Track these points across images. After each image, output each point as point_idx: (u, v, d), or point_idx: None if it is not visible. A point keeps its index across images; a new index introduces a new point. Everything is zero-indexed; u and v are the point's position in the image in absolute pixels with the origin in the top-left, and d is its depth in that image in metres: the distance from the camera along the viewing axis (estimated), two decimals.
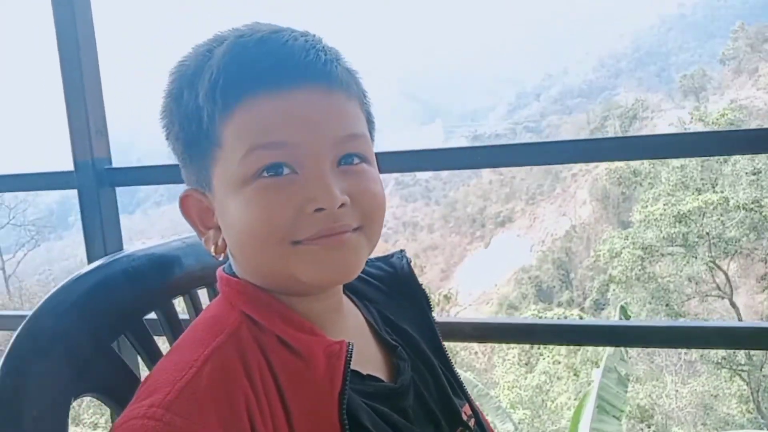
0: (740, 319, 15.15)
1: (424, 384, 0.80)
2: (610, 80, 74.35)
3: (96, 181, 1.61)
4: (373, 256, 0.89)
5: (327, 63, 0.66)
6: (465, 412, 0.82)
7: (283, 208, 0.64)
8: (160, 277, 0.83)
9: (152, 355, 0.79)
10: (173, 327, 0.84)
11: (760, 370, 13.73)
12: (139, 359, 0.83)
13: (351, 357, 0.66)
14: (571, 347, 15.45)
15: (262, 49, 0.64)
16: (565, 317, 17.47)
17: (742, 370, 14.05)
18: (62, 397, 0.68)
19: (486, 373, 16.47)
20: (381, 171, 0.72)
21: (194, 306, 0.88)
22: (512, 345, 16.20)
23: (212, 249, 0.71)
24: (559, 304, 25.80)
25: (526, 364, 15.95)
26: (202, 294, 0.91)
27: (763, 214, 15.15)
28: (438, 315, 1.05)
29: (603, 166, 27.59)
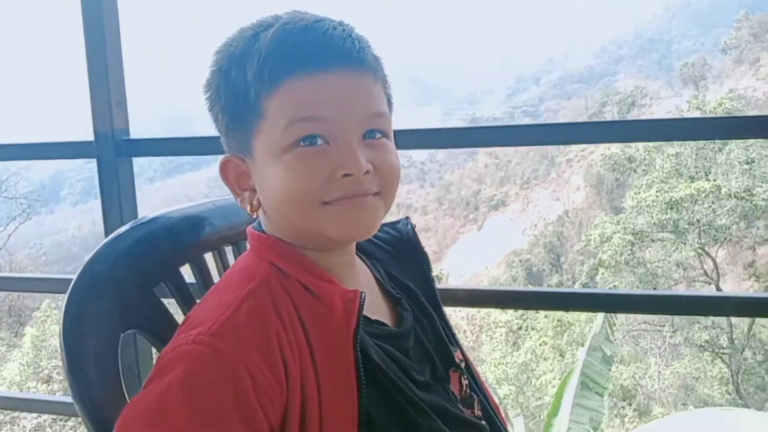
0: None
1: (423, 331, 0.92)
2: (610, 66, 74.14)
3: (114, 152, 1.70)
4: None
5: (360, 50, 0.76)
6: (457, 357, 0.94)
7: (317, 173, 0.75)
8: (194, 233, 0.94)
9: (187, 301, 0.91)
10: (205, 278, 0.95)
11: (741, 353, 14.05)
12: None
13: (364, 303, 0.77)
14: (558, 328, 15.70)
15: (306, 36, 0.74)
16: None
17: (724, 353, 14.36)
18: (114, 331, 0.80)
19: (473, 351, 16.75)
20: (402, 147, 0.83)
21: (222, 261, 1.00)
22: (500, 324, 16.46)
23: (248, 208, 0.82)
24: (548, 286, 26.04)
25: (513, 344, 16.20)
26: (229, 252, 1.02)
27: (754, 202, 15.30)
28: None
29: (598, 152, 27.70)
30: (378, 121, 0.79)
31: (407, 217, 1.05)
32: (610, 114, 39.60)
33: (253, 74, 0.74)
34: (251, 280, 0.76)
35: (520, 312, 17.86)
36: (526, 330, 16.67)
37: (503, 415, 1.07)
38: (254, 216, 0.83)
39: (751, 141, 16.23)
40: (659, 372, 14.59)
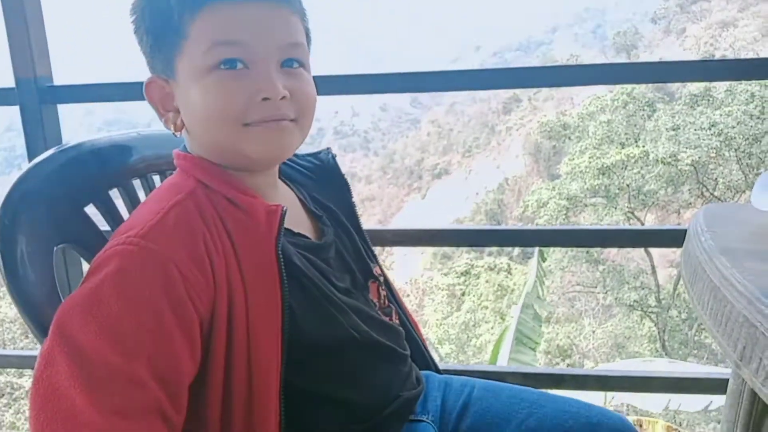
0: (652, 266, 16.26)
1: (344, 246, 1.00)
2: (547, 35, 75.49)
3: (38, 98, 1.67)
4: (303, 152, 1.09)
5: None
6: (375, 271, 1.03)
7: (237, 95, 0.80)
8: (121, 159, 0.98)
9: (117, 221, 0.95)
10: (134, 202, 1.00)
11: (667, 311, 14.91)
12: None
13: (284, 215, 0.84)
14: (498, 293, 16.25)
15: None
16: (495, 265, 18.25)
17: (652, 312, 15.20)
18: (46, 243, 0.84)
19: (416, 314, 17.19)
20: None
21: (150, 187, 1.04)
22: (441, 287, 16.90)
23: (172, 128, 0.87)
24: (490, 253, 26.80)
25: (458, 309, 16.66)
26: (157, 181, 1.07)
27: (679, 168, 15.97)
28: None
29: (536, 120, 28.32)
30: (295, 51, 0.85)
31: (328, 148, 1.12)
32: None
33: None
34: (178, 193, 0.81)
35: (462, 277, 18.34)
36: (468, 295, 17.14)
37: (420, 330, 1.17)
38: (178, 135, 0.88)
39: (677, 108, 16.98)
40: (593, 332, 15.27)
